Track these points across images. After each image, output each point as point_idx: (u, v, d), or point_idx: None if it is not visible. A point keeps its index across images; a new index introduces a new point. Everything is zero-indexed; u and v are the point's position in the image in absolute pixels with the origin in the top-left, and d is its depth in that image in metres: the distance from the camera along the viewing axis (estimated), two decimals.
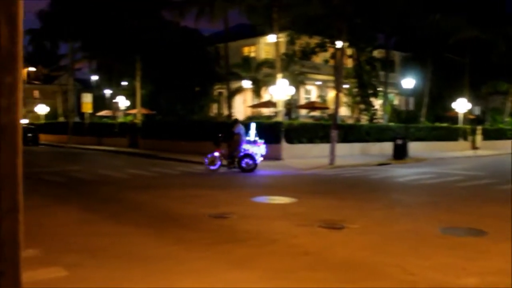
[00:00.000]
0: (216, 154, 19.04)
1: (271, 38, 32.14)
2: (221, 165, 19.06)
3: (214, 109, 44.56)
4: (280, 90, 26.89)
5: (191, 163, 22.76)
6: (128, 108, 44.25)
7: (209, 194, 12.76)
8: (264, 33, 36.40)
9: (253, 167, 18.73)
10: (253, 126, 19.61)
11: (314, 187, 15.18)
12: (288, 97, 31.08)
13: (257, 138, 19.33)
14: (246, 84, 38.79)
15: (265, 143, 19.62)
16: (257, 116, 37.26)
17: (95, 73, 55.18)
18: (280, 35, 33.20)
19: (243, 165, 18.75)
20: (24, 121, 55.55)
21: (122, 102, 38.82)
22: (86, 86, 59.63)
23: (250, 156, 18.80)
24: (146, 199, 12.01)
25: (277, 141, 23.73)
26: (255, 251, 6.93)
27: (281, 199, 11.84)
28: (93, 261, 6.34)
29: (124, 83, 50.28)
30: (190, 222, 9.01)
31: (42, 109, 53.86)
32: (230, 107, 34.35)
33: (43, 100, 58.54)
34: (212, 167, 18.91)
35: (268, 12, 28.84)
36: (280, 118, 27.48)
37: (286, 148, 23.89)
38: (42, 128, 49.54)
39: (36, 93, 69.10)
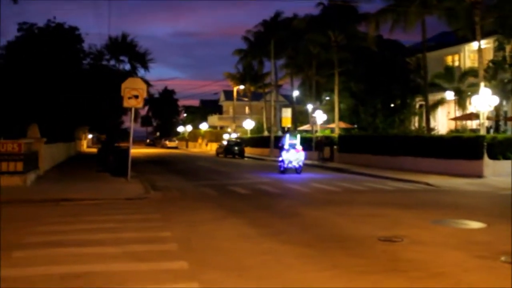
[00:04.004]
0: (280, 159, 24.90)
1: (477, 44, 29.60)
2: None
3: (415, 122, 42.53)
4: (483, 101, 24.44)
5: (384, 178, 21.75)
6: (328, 122, 44.56)
7: (391, 214, 11.84)
8: (468, 40, 33.67)
9: (283, 171, 24.25)
10: (287, 136, 25.37)
11: None
12: (492, 108, 28.12)
13: (286, 146, 24.11)
14: (449, 95, 36.31)
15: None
16: (460, 129, 34.52)
17: (297, 88, 57.00)
18: (486, 40, 30.37)
19: (280, 168, 24.54)
20: (234, 135, 59.75)
21: (320, 116, 39.31)
22: (290, 101, 61.87)
23: (281, 162, 24.42)
24: (321, 216, 11.64)
25: (478, 156, 21.49)
26: (411, 285, 6.07)
27: (467, 223, 10.46)
28: (232, 281, 6.13)
29: (327, 98, 50.95)
30: (355, 245, 8.37)
31: (248, 124, 57.26)
32: (428, 120, 32.24)
33: (252, 115, 62.34)
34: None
35: (470, 15, 26.49)
36: (483, 131, 24.96)
37: (488, 164, 21.46)
38: (248, 142, 52.65)
39: (247, 109, 74.40)
